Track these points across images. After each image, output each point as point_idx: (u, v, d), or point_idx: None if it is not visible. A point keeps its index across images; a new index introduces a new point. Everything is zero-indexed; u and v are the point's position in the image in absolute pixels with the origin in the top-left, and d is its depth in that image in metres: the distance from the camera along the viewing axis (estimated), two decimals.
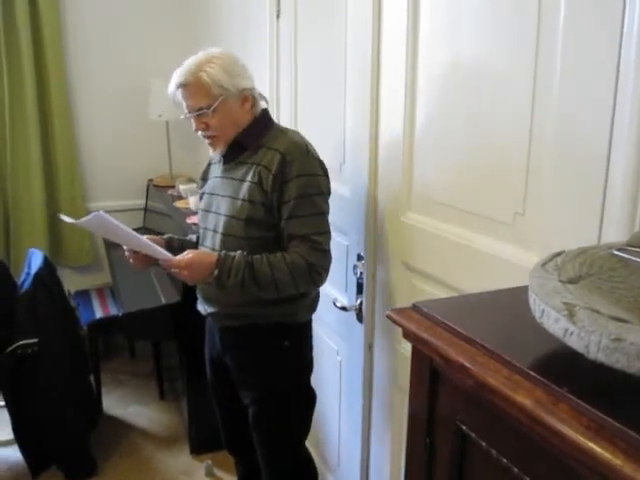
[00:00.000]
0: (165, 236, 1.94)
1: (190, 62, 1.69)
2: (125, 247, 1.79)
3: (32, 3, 3.25)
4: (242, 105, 1.72)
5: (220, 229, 1.74)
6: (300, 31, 2.22)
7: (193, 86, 1.67)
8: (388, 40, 1.64)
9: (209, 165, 1.93)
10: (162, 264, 1.71)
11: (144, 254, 1.75)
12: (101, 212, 1.61)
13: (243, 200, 1.68)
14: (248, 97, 1.73)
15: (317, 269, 1.65)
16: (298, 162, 1.65)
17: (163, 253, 1.70)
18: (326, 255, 1.69)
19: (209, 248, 1.78)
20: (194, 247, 1.87)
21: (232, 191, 1.73)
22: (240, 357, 1.83)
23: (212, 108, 1.67)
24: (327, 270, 1.70)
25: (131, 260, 1.80)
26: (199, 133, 1.74)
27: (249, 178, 1.69)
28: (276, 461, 1.91)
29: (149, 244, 1.71)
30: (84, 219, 1.63)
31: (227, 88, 1.67)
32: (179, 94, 1.70)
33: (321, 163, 1.72)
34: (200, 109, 1.68)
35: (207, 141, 1.75)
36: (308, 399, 1.91)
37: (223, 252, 1.65)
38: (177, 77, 1.69)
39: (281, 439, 1.88)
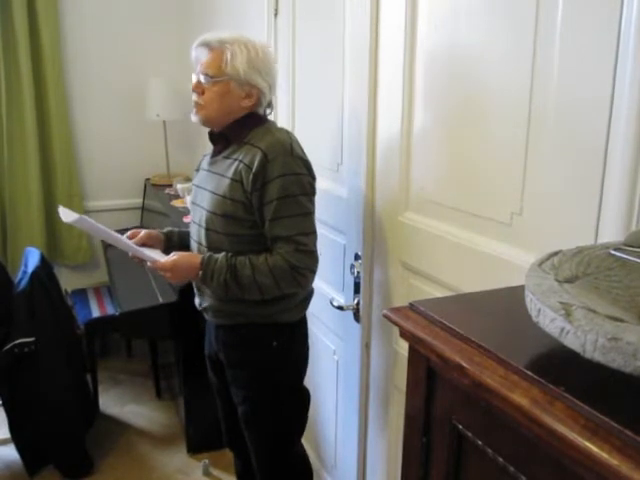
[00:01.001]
0: (165, 230, 1.93)
1: (226, 33, 1.70)
2: None
3: (30, 2, 3.24)
4: (243, 98, 1.70)
5: (203, 223, 1.73)
6: (298, 30, 2.21)
7: (213, 52, 1.68)
8: (386, 39, 1.64)
9: (204, 157, 1.92)
10: (150, 266, 1.74)
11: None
12: (84, 217, 1.65)
13: (223, 197, 1.67)
14: (253, 95, 1.71)
15: (301, 271, 1.63)
16: (280, 161, 1.61)
17: (149, 256, 1.72)
18: (312, 256, 1.66)
19: (196, 242, 1.78)
20: None
21: (214, 186, 1.72)
22: (231, 355, 1.83)
23: (214, 80, 1.67)
24: (313, 271, 1.68)
25: (135, 259, 1.81)
26: (193, 96, 1.73)
27: (230, 174, 1.67)
28: (267, 460, 1.90)
29: (135, 248, 1.74)
30: (71, 219, 1.65)
31: (239, 74, 1.66)
32: (200, 50, 1.71)
33: (306, 162, 1.68)
34: (206, 74, 1.68)
35: (193, 104, 1.74)
36: (299, 399, 1.90)
37: (207, 254, 1.66)
38: (208, 36, 1.70)
39: (271, 438, 1.88)
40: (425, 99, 1.50)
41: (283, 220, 1.61)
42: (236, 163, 1.67)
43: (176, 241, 1.91)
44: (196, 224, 1.79)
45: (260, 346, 1.78)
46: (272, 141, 1.65)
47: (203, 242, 1.74)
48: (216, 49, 1.68)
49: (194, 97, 1.72)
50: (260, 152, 1.62)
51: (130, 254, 1.79)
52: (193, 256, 1.69)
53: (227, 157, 1.72)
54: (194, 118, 1.75)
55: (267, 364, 1.79)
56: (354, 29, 1.79)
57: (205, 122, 1.74)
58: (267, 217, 1.63)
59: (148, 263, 1.73)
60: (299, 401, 1.90)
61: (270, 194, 1.61)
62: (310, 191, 1.68)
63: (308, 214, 1.66)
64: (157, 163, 3.73)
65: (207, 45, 1.69)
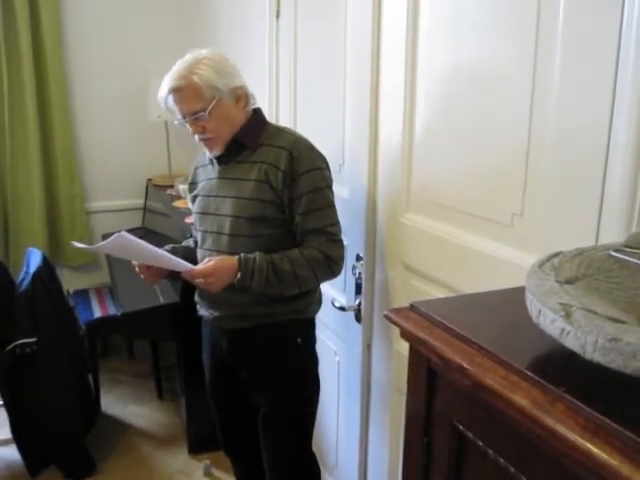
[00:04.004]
0: (167, 247, 1.89)
1: (180, 66, 1.67)
2: (135, 262, 1.75)
3: (32, 4, 3.25)
4: (236, 104, 1.71)
5: (226, 230, 1.71)
6: (300, 31, 2.21)
7: (186, 90, 1.64)
8: (388, 41, 1.64)
9: (196, 169, 1.91)
10: (184, 275, 1.66)
11: (157, 267, 1.72)
12: (123, 232, 1.53)
13: (249, 199, 1.67)
14: (241, 96, 1.72)
15: (334, 260, 1.69)
16: (306, 157, 1.66)
17: (184, 265, 1.65)
18: (341, 244, 1.72)
19: (214, 250, 1.74)
20: (195, 253, 1.85)
21: (235, 191, 1.71)
22: (252, 358, 1.81)
23: (208, 111, 1.64)
24: (343, 259, 1.73)
25: (142, 275, 1.77)
26: (196, 136, 1.72)
27: (254, 177, 1.67)
28: (288, 459, 1.90)
29: (171, 258, 1.67)
30: (104, 243, 1.57)
31: (220, 89, 1.65)
32: (171, 99, 1.67)
33: (323, 157, 1.74)
34: (195, 113, 1.65)
35: (204, 143, 1.73)
36: (318, 393, 1.91)
37: (242, 255, 1.64)
38: (168, 82, 1.66)
39: (295, 436, 1.88)
40: (427, 101, 1.50)
41: (314, 213, 1.67)
42: (258, 165, 1.68)
43: (182, 256, 1.86)
44: (213, 233, 1.76)
45: (286, 344, 1.79)
46: (293, 139, 1.70)
47: (225, 249, 1.71)
48: (185, 86, 1.64)
49: (199, 137, 1.71)
50: (285, 150, 1.66)
51: (139, 270, 1.75)
52: (227, 259, 1.64)
53: (243, 162, 1.72)
54: (214, 153, 1.73)
55: (293, 361, 1.80)
56: (356, 31, 1.79)
57: (224, 147, 1.72)
58: (297, 211, 1.67)
59: (182, 273, 1.66)
60: (318, 395, 1.91)
61: (299, 189, 1.65)
62: (331, 184, 1.74)
63: (333, 205, 1.72)
64: (159, 164, 3.73)
65: (175, 90, 1.65)
